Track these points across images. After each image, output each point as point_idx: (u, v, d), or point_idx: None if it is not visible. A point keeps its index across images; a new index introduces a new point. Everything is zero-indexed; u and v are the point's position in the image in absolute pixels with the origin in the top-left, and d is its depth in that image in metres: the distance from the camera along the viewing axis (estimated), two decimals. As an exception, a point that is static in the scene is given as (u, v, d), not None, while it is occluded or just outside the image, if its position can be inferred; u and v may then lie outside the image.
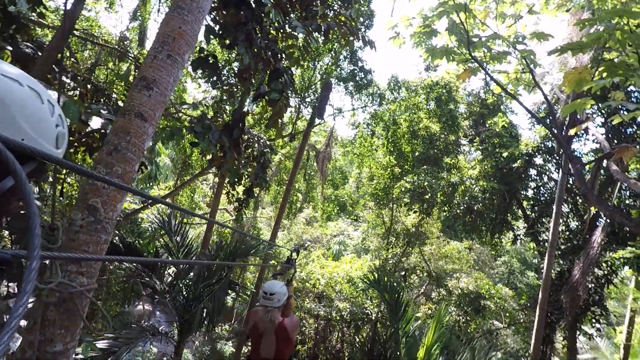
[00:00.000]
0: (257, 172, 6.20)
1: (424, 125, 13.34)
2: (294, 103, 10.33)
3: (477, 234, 13.33)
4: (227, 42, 2.98)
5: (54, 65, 4.26)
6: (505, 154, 11.77)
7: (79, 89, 5.75)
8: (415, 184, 11.65)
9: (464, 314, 12.33)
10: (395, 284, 7.29)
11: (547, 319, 9.35)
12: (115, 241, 5.41)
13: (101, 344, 5.11)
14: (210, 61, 3.16)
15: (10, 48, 3.48)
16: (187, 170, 13.38)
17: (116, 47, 8.79)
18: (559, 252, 10.40)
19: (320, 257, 15.11)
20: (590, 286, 8.95)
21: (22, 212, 3.05)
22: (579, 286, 7.93)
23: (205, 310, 5.46)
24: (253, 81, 4.07)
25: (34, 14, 4.80)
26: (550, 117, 10.60)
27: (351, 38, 3.99)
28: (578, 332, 10.29)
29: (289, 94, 3.44)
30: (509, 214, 12.84)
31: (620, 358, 10.30)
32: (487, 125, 12.96)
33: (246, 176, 6.81)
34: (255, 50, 3.26)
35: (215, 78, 3.25)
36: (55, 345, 1.55)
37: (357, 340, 12.65)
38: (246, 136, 5.84)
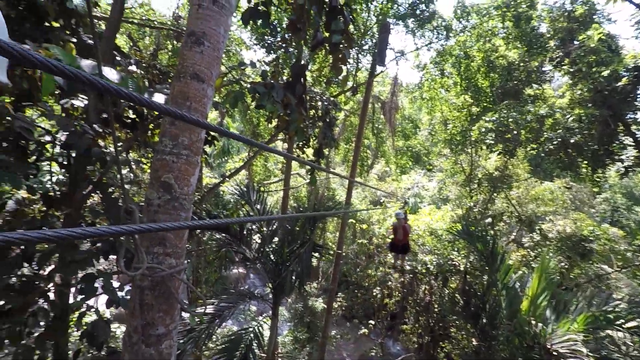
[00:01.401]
0: (324, 131, 5.95)
1: (500, 55, 11.74)
2: (352, 53, 9.65)
3: (573, 170, 11.76)
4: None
5: (114, 51, 4.34)
6: (605, 73, 9.92)
7: (146, 76, 5.93)
8: (497, 122, 10.44)
9: (567, 258, 11.24)
10: (486, 234, 6.76)
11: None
12: (202, 215, 5.68)
13: (209, 309, 5.57)
14: (261, 10, 2.85)
15: (75, 40, 3.54)
16: (257, 140, 13.67)
17: (171, 27, 8.92)
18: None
19: (398, 212, 14.81)
20: None
21: (114, 197, 3.16)
22: None
23: (294, 273, 5.57)
24: (308, 32, 3.70)
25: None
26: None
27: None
28: None
29: (353, 34, 3.05)
30: (614, 143, 11.04)
31: None
32: (578, 42, 10.96)
33: (314, 137, 6.61)
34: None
35: (268, 30, 2.96)
36: (157, 328, 1.52)
37: (446, 292, 12.37)
38: (308, 95, 5.56)
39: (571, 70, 10.99)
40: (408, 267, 13.19)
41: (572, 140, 10.90)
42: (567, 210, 14.87)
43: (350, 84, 9.92)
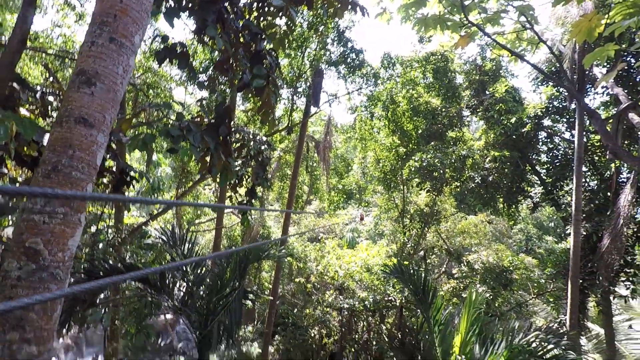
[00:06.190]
0: (257, 171, 5.80)
1: (424, 101, 12.83)
2: (287, 94, 9.83)
3: (492, 205, 12.90)
4: (196, 26, 2.55)
5: (15, 83, 3.86)
6: (512, 120, 11.25)
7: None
8: (424, 162, 11.18)
9: (491, 289, 11.97)
10: (418, 271, 6.91)
11: (579, 286, 8.93)
12: (112, 262, 5.07)
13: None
14: (178, 50, 2.71)
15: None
16: (188, 177, 12.99)
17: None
18: (583, 215, 9.91)
19: (336, 248, 14.82)
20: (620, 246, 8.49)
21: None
22: (612, 251, 7.47)
23: (222, 326, 5.11)
24: (237, 72, 3.63)
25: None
26: (558, 75, 10.05)
27: (338, 5, 3.49)
28: (612, 296, 9.86)
29: (276, 80, 3.02)
30: (524, 182, 12.36)
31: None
32: (489, 93, 12.42)
33: (247, 177, 6.41)
34: (232, 34, 2.81)
35: (187, 70, 2.82)
36: None
37: (384, 328, 12.36)
38: (239, 134, 5.42)
39: (485, 116, 12.31)
40: (346, 305, 13.04)
41: (490, 179, 11.99)
42: (490, 242, 16.03)
43: (285, 123, 10.02)
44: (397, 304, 12.61)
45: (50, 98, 4.57)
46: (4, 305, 0.64)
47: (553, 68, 10.62)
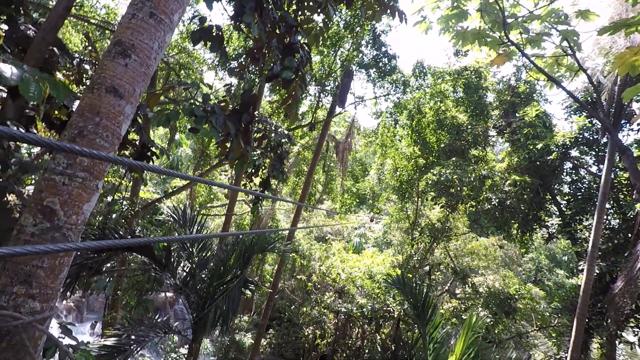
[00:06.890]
0: (274, 163, 5.82)
1: (450, 115, 12.64)
2: (314, 91, 9.83)
3: (506, 230, 12.60)
4: (233, 11, 2.57)
5: (55, 48, 3.96)
6: (539, 146, 10.95)
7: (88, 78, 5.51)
8: (443, 176, 11.01)
9: (493, 315, 11.69)
10: (420, 285, 6.81)
11: (585, 325, 8.64)
12: (122, 234, 5.17)
13: (110, 342, 4.90)
14: (214, 33, 2.73)
15: (5, 27, 3.15)
16: (206, 160, 13.17)
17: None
18: (599, 253, 9.58)
19: (341, 251, 14.78)
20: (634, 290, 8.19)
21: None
22: (625, 294, 7.19)
23: (219, 311, 5.15)
24: (268, 62, 3.64)
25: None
26: (593, 106, 9.75)
27: (377, 8, 3.46)
28: (618, 340, 9.51)
29: (305, 74, 3.02)
30: (542, 210, 12.03)
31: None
32: (519, 115, 12.12)
33: (263, 167, 6.45)
34: (268, 23, 2.82)
35: (219, 53, 2.83)
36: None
37: (378, 338, 12.26)
38: (261, 125, 5.45)
39: (511, 139, 12.03)
40: (344, 309, 12.99)
41: (507, 203, 11.72)
42: (498, 267, 15.66)
43: (308, 119, 10.04)
44: (395, 316, 12.50)
45: (87, 66, 4.69)
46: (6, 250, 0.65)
47: (589, 98, 10.31)
